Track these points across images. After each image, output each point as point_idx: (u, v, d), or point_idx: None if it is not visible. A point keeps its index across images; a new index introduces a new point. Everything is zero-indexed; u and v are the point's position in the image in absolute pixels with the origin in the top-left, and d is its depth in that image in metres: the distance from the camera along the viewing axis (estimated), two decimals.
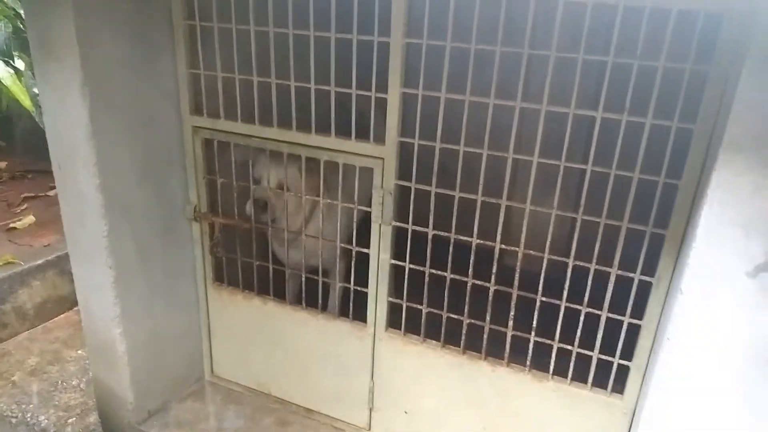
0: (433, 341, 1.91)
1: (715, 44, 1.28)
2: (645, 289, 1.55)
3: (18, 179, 4.55)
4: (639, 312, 1.57)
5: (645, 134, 1.43)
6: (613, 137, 1.47)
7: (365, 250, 1.88)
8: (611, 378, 1.68)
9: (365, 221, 1.88)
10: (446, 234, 1.75)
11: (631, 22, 1.37)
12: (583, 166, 1.52)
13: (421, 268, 1.81)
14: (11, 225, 3.68)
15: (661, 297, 1.53)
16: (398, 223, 1.82)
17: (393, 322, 1.96)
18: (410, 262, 1.82)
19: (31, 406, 2.63)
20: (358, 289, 1.94)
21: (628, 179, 1.48)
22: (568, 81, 1.47)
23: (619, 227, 1.53)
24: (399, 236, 1.84)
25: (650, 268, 1.53)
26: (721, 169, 1.16)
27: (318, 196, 1.96)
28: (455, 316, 1.84)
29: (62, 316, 3.31)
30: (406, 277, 1.84)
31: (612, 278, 1.58)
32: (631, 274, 1.54)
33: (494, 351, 1.84)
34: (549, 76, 1.48)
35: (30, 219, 3.78)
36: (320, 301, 2.05)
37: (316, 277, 2.00)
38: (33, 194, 4.19)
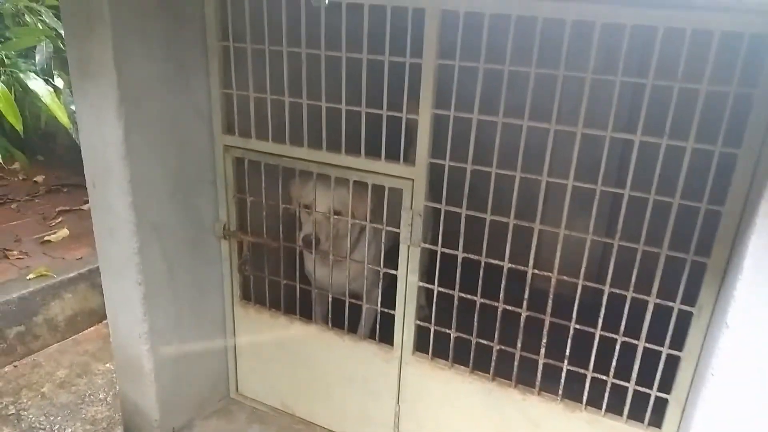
0: (462, 366, 1.87)
1: (762, 66, 1.23)
2: (684, 319, 1.49)
3: (54, 193, 4.67)
4: (678, 343, 1.51)
5: (686, 158, 1.38)
6: (650, 161, 1.42)
7: (393, 272, 1.85)
8: (648, 411, 1.61)
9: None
10: (476, 257, 1.72)
11: (672, 44, 1.33)
12: (621, 191, 1.47)
13: (451, 292, 1.77)
14: (46, 238, 3.76)
15: (703, 328, 1.46)
16: (427, 245, 1.79)
17: (420, 346, 1.93)
18: (439, 285, 1.79)
19: (59, 418, 2.65)
20: (385, 311, 1.91)
21: (667, 205, 1.43)
22: (603, 103, 1.44)
23: (657, 254, 1.48)
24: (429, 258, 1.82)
25: (690, 298, 1.47)
26: None
27: (365, 220, 1.92)
28: (485, 342, 1.79)
29: (92, 329, 3.35)
30: (435, 300, 1.81)
31: (650, 307, 1.52)
32: (671, 304, 1.48)
33: (525, 378, 1.78)
34: (585, 98, 1.44)
35: (64, 232, 3.85)
36: (347, 323, 2.02)
37: (345, 299, 1.99)
38: (68, 208, 4.28)
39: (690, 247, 1.43)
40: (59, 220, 4.12)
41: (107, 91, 1.70)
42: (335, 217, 1.99)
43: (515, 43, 1.49)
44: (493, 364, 1.80)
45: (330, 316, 2.07)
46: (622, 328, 1.57)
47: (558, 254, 1.61)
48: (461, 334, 1.81)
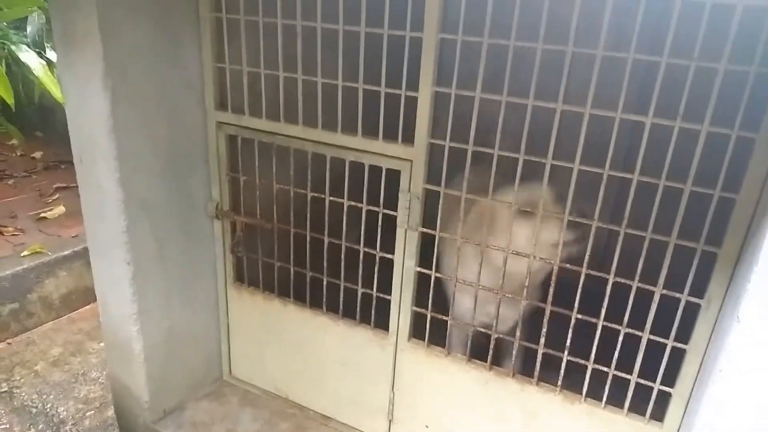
0: (459, 355, 1.81)
1: None
2: (691, 311, 1.42)
3: (52, 169, 4.62)
4: (684, 335, 1.45)
5: (700, 143, 1.30)
6: (660, 145, 1.34)
7: (389, 256, 1.79)
8: (650, 404, 1.55)
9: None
10: (476, 243, 1.65)
11: (689, 19, 1.24)
12: (629, 176, 1.39)
13: (448, 278, 1.71)
14: (42, 214, 3.72)
15: (711, 321, 1.40)
16: (425, 229, 1.72)
17: (416, 332, 1.87)
18: (437, 271, 1.73)
19: (51, 396, 2.63)
20: (381, 296, 1.85)
21: (678, 191, 1.35)
22: (614, 83, 1.36)
23: (666, 243, 1.40)
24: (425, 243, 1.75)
25: (698, 289, 1.40)
26: None
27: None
28: (483, 330, 1.73)
29: (87, 307, 3.33)
30: (432, 285, 1.74)
31: (656, 297, 1.45)
32: (678, 295, 1.41)
33: (523, 368, 1.73)
34: (594, 77, 1.36)
35: (60, 209, 3.81)
36: (341, 308, 1.97)
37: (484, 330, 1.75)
38: (65, 185, 4.24)
39: (700, 237, 1.35)
40: (56, 197, 4.07)
41: (93, 62, 1.63)
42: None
43: (521, 18, 1.41)
44: (490, 353, 1.75)
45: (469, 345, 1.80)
46: (626, 318, 1.50)
47: (561, 241, 1.54)
48: (459, 321, 1.75)
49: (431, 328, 1.80)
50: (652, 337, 1.49)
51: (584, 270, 1.52)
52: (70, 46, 1.67)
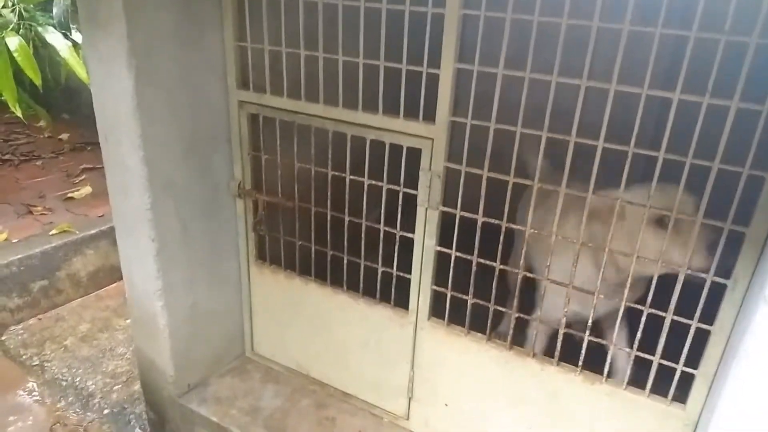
0: (478, 334, 1.82)
1: None
2: (717, 292, 1.40)
3: (78, 150, 4.72)
4: (709, 316, 1.42)
5: (729, 120, 1.26)
6: (690, 123, 1.31)
7: (410, 235, 1.79)
8: (673, 385, 1.54)
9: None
10: (497, 222, 1.64)
11: None
12: (655, 154, 1.36)
13: (469, 257, 1.70)
14: (69, 195, 3.80)
15: (737, 302, 1.37)
16: (446, 208, 1.72)
17: (436, 312, 1.88)
18: (457, 250, 1.72)
19: (80, 371, 2.71)
20: (401, 275, 1.86)
21: (706, 169, 1.32)
22: (641, 59, 1.32)
23: (692, 221, 1.38)
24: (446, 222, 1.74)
25: (724, 270, 1.38)
26: None
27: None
28: (503, 309, 1.73)
29: (114, 285, 3.41)
30: (452, 265, 1.74)
31: (681, 278, 1.43)
32: (704, 275, 1.39)
33: (544, 348, 1.72)
34: (620, 53, 1.33)
35: (87, 189, 3.89)
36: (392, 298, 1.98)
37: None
38: (91, 166, 4.32)
39: (728, 216, 1.32)
40: (83, 177, 4.16)
41: (117, 42, 1.65)
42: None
43: None
44: (510, 332, 1.75)
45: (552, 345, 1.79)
46: (649, 299, 1.49)
47: (584, 221, 1.53)
48: (479, 301, 1.75)
49: (451, 308, 1.81)
50: (676, 317, 1.47)
51: (607, 249, 1.50)
52: (95, 27, 1.69)
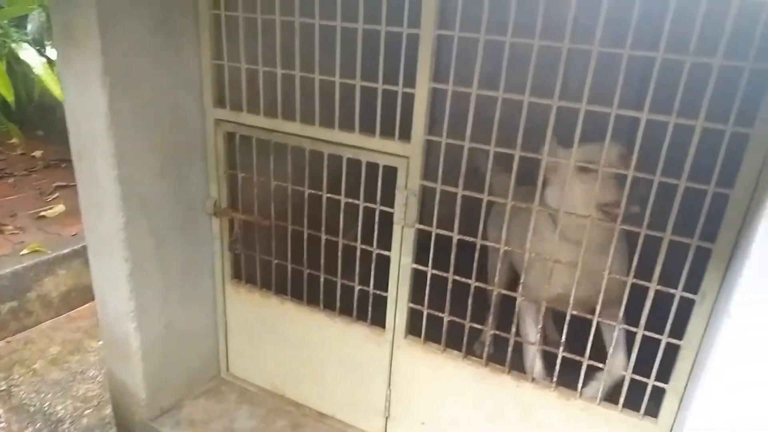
0: (455, 351, 1.82)
1: None
2: (686, 307, 1.43)
3: (52, 168, 4.63)
4: (678, 331, 1.45)
5: (695, 138, 1.30)
6: (657, 141, 1.35)
7: (386, 253, 1.79)
8: (645, 400, 1.56)
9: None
10: (472, 239, 1.66)
11: (685, 16, 1.25)
12: (624, 172, 1.40)
13: (444, 274, 1.71)
14: (42, 213, 3.72)
15: (705, 316, 1.40)
16: (422, 226, 1.73)
17: (413, 329, 1.87)
18: (433, 268, 1.73)
19: (49, 395, 2.63)
20: (378, 293, 1.86)
21: (673, 187, 1.36)
22: (610, 79, 1.36)
23: (661, 239, 1.41)
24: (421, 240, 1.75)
25: (693, 285, 1.41)
26: None
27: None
28: (479, 326, 1.74)
29: (86, 306, 3.33)
30: (428, 282, 1.75)
31: (650, 293, 1.45)
32: (672, 290, 1.42)
33: (519, 364, 1.73)
34: (590, 73, 1.37)
35: (60, 208, 3.81)
36: (338, 304, 1.97)
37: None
38: (65, 183, 4.24)
39: (695, 232, 1.36)
40: (56, 195, 4.08)
41: (91, 58, 1.64)
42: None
43: (518, 14, 1.41)
44: (486, 349, 1.75)
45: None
46: (621, 315, 1.51)
47: (557, 238, 1.55)
48: (455, 318, 1.75)
49: (427, 325, 1.81)
50: (647, 333, 1.49)
51: (579, 265, 1.52)
52: (69, 43, 1.68)
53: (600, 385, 1.64)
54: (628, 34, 1.31)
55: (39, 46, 3.24)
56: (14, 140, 4.81)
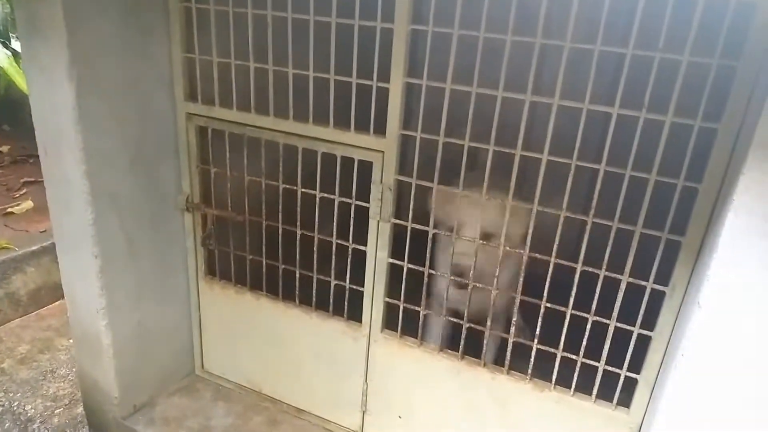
0: (431, 345, 1.83)
1: (745, 37, 1.18)
2: (657, 299, 1.46)
3: (19, 164, 4.51)
4: (650, 322, 1.48)
5: (664, 133, 1.32)
6: (628, 136, 1.37)
7: (362, 248, 1.79)
8: (617, 391, 1.58)
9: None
10: (448, 234, 1.66)
11: (654, 12, 1.26)
12: (596, 166, 1.41)
13: (420, 269, 1.72)
14: (8, 209, 3.63)
15: (675, 308, 1.43)
16: (397, 221, 1.73)
17: (389, 324, 1.88)
18: (409, 262, 1.73)
19: (18, 395, 2.57)
20: (354, 287, 1.85)
21: (643, 181, 1.38)
22: (582, 74, 1.37)
23: (632, 232, 1.43)
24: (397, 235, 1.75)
25: (663, 277, 1.43)
26: (750, 173, 1.06)
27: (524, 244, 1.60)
28: (454, 320, 1.75)
29: (56, 303, 3.26)
30: (404, 277, 1.75)
31: (623, 285, 1.48)
32: (644, 283, 1.44)
33: (494, 358, 1.75)
34: (562, 69, 1.38)
35: (28, 204, 3.72)
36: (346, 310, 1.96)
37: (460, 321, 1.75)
38: (33, 179, 4.13)
39: (665, 226, 1.38)
40: (24, 191, 3.98)
41: (57, 51, 1.59)
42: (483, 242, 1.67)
43: (491, 9, 1.41)
44: (462, 342, 1.76)
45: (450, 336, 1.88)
46: (593, 307, 1.53)
47: (530, 231, 1.56)
48: (430, 312, 1.76)
49: (404, 319, 1.81)
50: (619, 324, 1.52)
51: (553, 259, 1.54)
52: (34, 35, 1.63)
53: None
54: (599, 30, 1.32)
55: (4, 38, 3.14)
56: None
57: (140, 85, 1.81)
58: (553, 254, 1.54)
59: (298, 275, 1.95)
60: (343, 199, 1.78)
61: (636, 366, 1.53)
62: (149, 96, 1.85)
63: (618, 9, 1.31)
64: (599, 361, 1.57)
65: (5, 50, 3.11)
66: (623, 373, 1.54)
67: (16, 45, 3.18)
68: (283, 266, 1.96)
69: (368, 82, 1.60)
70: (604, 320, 1.53)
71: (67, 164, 1.73)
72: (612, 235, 1.45)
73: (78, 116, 1.65)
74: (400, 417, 1.95)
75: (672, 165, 1.35)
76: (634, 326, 1.49)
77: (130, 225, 1.88)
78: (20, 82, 3.12)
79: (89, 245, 1.80)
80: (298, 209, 1.85)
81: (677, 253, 1.39)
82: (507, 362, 1.70)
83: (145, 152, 1.88)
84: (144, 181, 1.90)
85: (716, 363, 1.19)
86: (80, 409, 2.38)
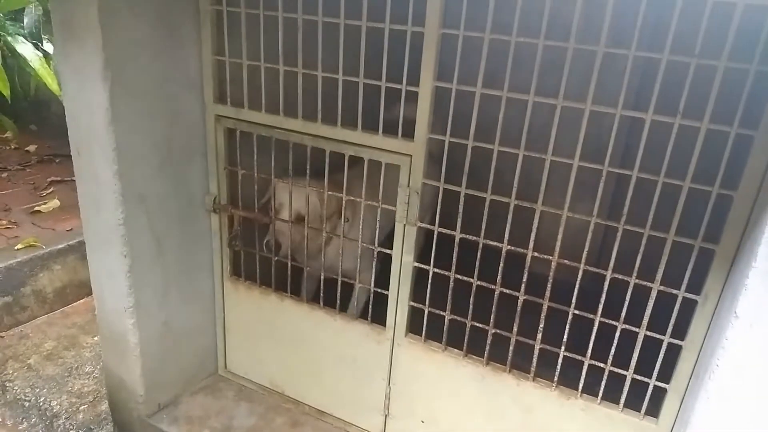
0: (455, 350, 1.82)
1: None
2: (688, 308, 1.43)
3: (46, 163, 4.60)
4: (680, 331, 1.46)
5: (699, 140, 1.30)
6: (659, 142, 1.35)
7: (388, 251, 1.79)
8: (646, 400, 1.56)
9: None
10: (474, 238, 1.65)
11: (690, 17, 1.25)
12: (629, 172, 1.40)
13: (446, 273, 1.71)
14: (36, 208, 3.69)
15: (707, 317, 1.41)
16: (424, 225, 1.72)
17: (414, 328, 1.87)
18: (435, 266, 1.73)
19: (44, 390, 2.61)
20: (379, 291, 1.85)
21: (676, 188, 1.36)
22: (614, 79, 1.36)
23: (663, 239, 1.41)
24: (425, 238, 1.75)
25: (695, 286, 1.41)
26: None
27: (341, 217, 1.92)
28: (480, 325, 1.74)
29: (81, 301, 3.31)
30: (430, 281, 1.75)
31: (653, 293, 1.46)
32: (675, 291, 1.42)
33: (519, 364, 1.73)
34: (595, 73, 1.36)
35: (55, 203, 3.79)
36: (338, 303, 1.96)
37: (335, 277, 1.92)
38: (59, 178, 4.21)
39: (698, 233, 1.36)
40: (50, 190, 4.05)
41: (92, 54, 1.62)
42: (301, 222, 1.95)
43: (523, 14, 1.41)
44: (487, 348, 1.75)
45: (322, 294, 2.00)
46: (623, 314, 1.51)
47: (560, 237, 1.55)
48: (456, 317, 1.75)
49: (428, 324, 1.80)
50: (648, 333, 1.50)
51: (582, 266, 1.52)
52: (69, 37, 1.66)
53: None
54: (634, 35, 1.30)
55: (36, 39, 3.20)
56: (8, 134, 4.77)
57: (170, 87, 1.83)
58: (583, 261, 1.52)
59: (322, 277, 1.96)
60: (370, 203, 1.78)
61: (665, 375, 1.51)
62: (179, 97, 1.87)
63: (653, 14, 1.30)
64: (627, 370, 1.55)
65: (36, 51, 3.17)
66: (652, 382, 1.52)
67: (47, 46, 3.24)
68: (307, 268, 1.97)
69: (398, 86, 1.61)
70: (634, 328, 1.51)
71: (99, 164, 1.76)
72: (643, 242, 1.43)
73: (111, 117, 1.67)
74: (422, 422, 1.94)
75: (707, 172, 1.32)
76: (663, 335, 1.47)
77: (158, 225, 1.91)
78: (51, 83, 3.18)
79: (119, 245, 1.82)
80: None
81: (710, 262, 1.37)
82: (533, 369, 1.69)
83: (174, 153, 1.90)
84: (172, 181, 1.92)
85: (753, 374, 1.16)
86: (105, 406, 2.41)
